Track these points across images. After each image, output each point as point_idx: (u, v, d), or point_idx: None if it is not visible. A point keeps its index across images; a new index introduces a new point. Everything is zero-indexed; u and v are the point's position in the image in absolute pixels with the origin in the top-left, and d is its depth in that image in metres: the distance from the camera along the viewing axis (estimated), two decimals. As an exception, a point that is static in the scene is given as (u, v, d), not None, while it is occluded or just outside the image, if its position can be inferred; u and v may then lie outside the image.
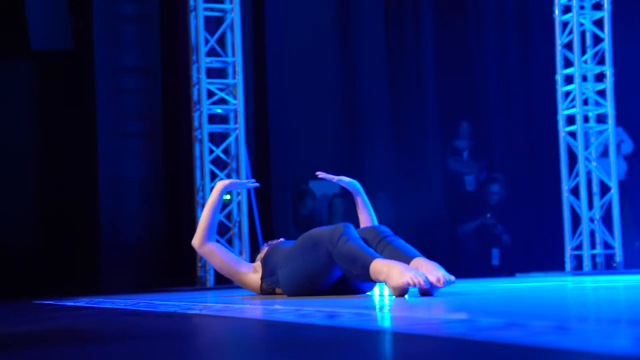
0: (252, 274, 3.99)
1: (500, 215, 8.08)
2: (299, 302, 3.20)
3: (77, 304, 4.20)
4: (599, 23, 6.85)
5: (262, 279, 3.94)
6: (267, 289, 3.93)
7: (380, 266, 3.38)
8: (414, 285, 3.23)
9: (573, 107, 6.79)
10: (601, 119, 6.92)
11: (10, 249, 6.87)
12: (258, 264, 4.02)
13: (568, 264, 6.80)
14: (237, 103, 6.59)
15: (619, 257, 6.75)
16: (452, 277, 3.30)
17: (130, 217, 6.90)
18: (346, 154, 8.19)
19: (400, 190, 8.16)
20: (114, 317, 3.05)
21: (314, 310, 2.63)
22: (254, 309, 3.01)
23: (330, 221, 8.03)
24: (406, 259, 3.50)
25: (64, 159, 7.07)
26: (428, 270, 3.32)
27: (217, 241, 4.45)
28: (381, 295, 3.40)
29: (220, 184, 4.06)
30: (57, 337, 2.26)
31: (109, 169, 6.85)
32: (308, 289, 3.69)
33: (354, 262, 3.46)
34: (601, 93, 6.86)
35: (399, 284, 3.23)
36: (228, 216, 6.61)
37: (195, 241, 4.00)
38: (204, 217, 4.03)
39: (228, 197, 6.70)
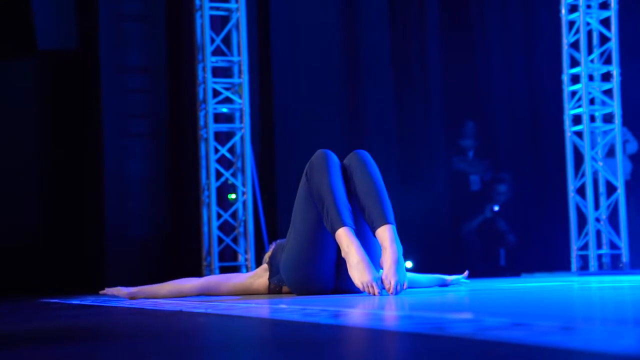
0: (258, 278, 3.98)
1: (506, 215, 8.07)
2: (304, 301, 3.20)
3: (82, 302, 4.20)
4: (605, 22, 6.83)
5: (269, 279, 3.94)
6: (275, 289, 3.92)
7: (345, 242, 3.39)
8: (368, 294, 3.30)
9: (579, 106, 6.78)
10: (608, 118, 6.90)
11: (15, 247, 6.88)
12: (264, 266, 4.01)
13: (574, 264, 6.79)
14: (242, 102, 6.59)
15: (625, 258, 6.73)
16: (405, 285, 3.34)
17: (135, 216, 6.91)
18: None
19: (405, 189, 8.15)
20: (120, 316, 3.05)
21: (319, 309, 2.63)
22: (259, 308, 3.01)
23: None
24: (376, 220, 3.48)
25: (69, 158, 7.08)
26: (386, 272, 3.33)
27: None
28: (386, 294, 3.40)
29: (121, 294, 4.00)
30: (63, 336, 2.26)
31: (114, 167, 6.86)
32: (307, 273, 3.65)
33: (322, 205, 3.48)
34: (608, 93, 6.84)
35: (356, 282, 3.33)
36: (233, 215, 6.61)
37: (194, 292, 3.96)
38: (168, 288, 3.98)
39: (234, 196, 6.71)
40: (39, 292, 6.11)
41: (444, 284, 4.27)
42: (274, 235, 6.84)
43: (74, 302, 4.32)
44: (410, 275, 4.24)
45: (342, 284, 3.71)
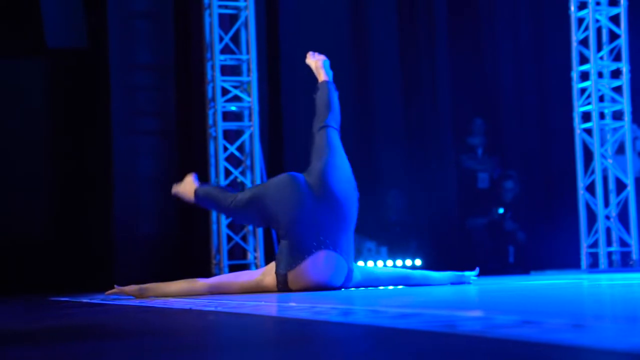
0: (267, 276, 3.97)
1: (515, 213, 8.06)
2: (313, 299, 3.20)
3: (92, 300, 4.21)
4: (615, 19, 6.81)
5: (276, 273, 3.93)
6: (281, 280, 3.91)
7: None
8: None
9: (589, 104, 6.75)
10: (617, 116, 6.88)
11: (25, 245, 6.90)
12: (273, 263, 4.01)
13: (584, 262, 6.77)
14: (251, 100, 6.59)
15: (635, 255, 6.71)
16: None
17: (144, 214, 6.92)
18: (359, 151, 8.17)
19: (414, 187, 8.14)
20: (129, 314, 3.05)
21: (329, 307, 2.64)
22: (269, 306, 3.01)
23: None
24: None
25: (78, 156, 7.10)
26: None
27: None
28: (395, 292, 3.40)
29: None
30: (73, 334, 2.27)
31: (123, 165, 6.86)
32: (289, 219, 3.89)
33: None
34: (617, 90, 6.82)
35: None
36: (242, 213, 6.61)
37: (204, 291, 3.98)
38: (178, 286, 3.99)
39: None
40: (48, 290, 6.12)
41: (459, 282, 4.24)
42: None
43: (83, 300, 4.33)
44: (423, 272, 4.27)
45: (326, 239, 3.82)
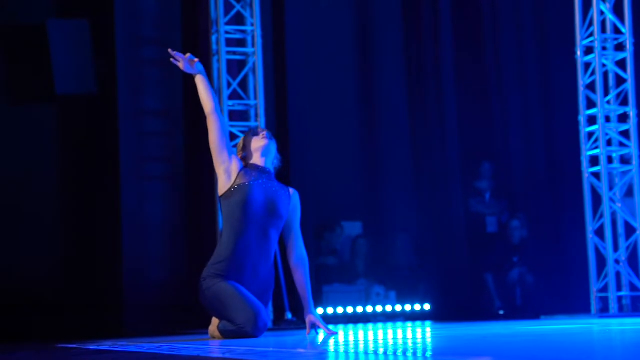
0: (225, 176, 4.65)
1: (524, 256, 8.02)
2: (321, 345, 3.18)
3: (100, 347, 4.19)
4: (621, 64, 6.83)
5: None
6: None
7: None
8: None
9: (596, 147, 6.75)
10: (625, 159, 6.87)
11: (33, 292, 6.88)
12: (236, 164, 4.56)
13: (594, 306, 6.72)
14: (259, 145, 6.61)
15: (645, 299, 6.66)
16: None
17: (153, 259, 6.90)
18: (367, 196, 8.18)
19: (422, 231, 8.12)
20: (137, 361, 3.03)
21: (336, 353, 2.61)
22: (277, 352, 2.99)
23: (352, 262, 8.00)
24: None
25: (87, 201, 7.11)
26: None
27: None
28: (404, 339, 3.37)
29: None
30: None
31: (131, 210, 6.87)
32: None
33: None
34: (625, 134, 6.82)
35: None
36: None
37: (208, 108, 4.58)
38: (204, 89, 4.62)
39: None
40: (56, 337, 6.09)
41: (316, 327, 4.24)
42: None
43: (91, 347, 4.31)
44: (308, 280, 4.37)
45: None
